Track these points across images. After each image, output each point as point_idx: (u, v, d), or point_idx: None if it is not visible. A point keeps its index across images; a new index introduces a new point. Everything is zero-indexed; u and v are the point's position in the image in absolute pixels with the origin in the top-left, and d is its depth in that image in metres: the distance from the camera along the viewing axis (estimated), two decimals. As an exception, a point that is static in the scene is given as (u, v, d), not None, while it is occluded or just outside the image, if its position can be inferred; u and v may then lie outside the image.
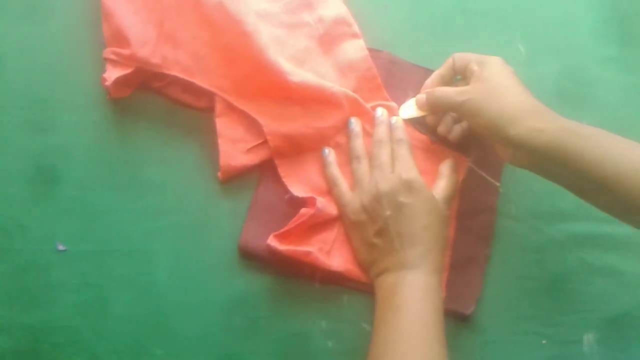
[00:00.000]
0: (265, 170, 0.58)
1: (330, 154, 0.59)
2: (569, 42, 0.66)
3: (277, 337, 0.55)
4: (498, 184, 0.60)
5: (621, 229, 0.59)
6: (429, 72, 0.62)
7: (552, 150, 0.49)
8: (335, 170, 0.58)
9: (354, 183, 0.58)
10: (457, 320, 0.57)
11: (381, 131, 0.59)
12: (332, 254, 0.57)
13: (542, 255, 0.59)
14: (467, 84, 0.55)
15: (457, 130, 0.59)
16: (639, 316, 0.59)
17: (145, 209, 0.57)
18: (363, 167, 0.58)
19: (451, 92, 0.55)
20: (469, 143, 0.60)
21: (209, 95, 0.58)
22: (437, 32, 0.64)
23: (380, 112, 0.60)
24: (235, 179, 0.58)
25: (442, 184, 0.57)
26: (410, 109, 0.60)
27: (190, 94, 0.59)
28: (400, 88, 0.62)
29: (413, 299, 0.51)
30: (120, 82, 0.57)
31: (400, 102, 0.61)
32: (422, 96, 0.59)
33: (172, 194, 0.58)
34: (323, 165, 0.59)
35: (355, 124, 0.59)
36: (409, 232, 0.53)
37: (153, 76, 0.58)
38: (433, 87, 0.59)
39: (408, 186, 0.54)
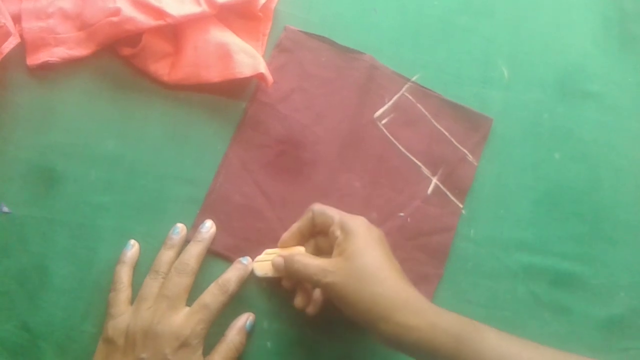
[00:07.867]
0: (225, 162, 0.57)
1: (134, 246, 0.54)
2: (569, 42, 0.66)
3: (215, 332, 0.54)
4: (461, 205, 0.59)
5: (579, 268, 0.59)
6: (408, 81, 0.61)
7: (422, 349, 0.45)
8: (124, 272, 0.52)
9: (138, 298, 0.51)
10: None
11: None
12: None
13: (494, 283, 0.58)
14: (331, 246, 0.50)
15: (317, 301, 0.52)
16: (581, 356, 0.58)
17: (97, 182, 0.55)
18: (156, 286, 0.51)
19: (313, 268, 0.48)
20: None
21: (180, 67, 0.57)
22: (422, 43, 0.63)
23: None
24: (198, 170, 0.57)
25: (224, 345, 0.51)
26: (266, 265, 0.53)
27: (162, 62, 0.57)
28: (378, 94, 0.61)
29: None
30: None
31: (377, 107, 0.60)
32: (279, 260, 0.51)
33: (127, 170, 0.56)
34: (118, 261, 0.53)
35: (182, 229, 0.54)
36: None
37: (123, 42, 0.56)
38: (290, 243, 0.54)
39: (184, 343, 0.47)
